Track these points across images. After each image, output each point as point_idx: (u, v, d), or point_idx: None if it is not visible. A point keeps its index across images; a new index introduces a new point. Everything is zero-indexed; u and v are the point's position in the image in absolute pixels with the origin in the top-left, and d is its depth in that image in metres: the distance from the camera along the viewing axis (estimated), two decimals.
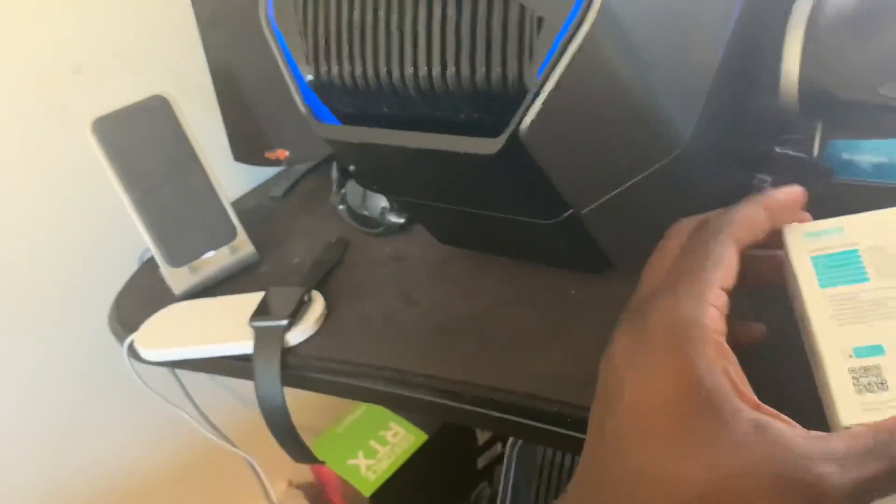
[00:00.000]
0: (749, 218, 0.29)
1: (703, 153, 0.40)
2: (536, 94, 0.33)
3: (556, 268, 0.48)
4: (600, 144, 0.36)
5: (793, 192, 0.31)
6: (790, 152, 0.51)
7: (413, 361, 0.44)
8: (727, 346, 0.25)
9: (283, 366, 0.46)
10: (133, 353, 0.52)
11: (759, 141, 0.49)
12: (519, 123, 0.34)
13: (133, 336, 0.52)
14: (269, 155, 0.64)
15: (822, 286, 0.29)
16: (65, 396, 0.67)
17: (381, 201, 0.57)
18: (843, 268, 0.30)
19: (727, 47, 0.39)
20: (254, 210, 0.67)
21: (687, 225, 0.31)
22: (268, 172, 0.72)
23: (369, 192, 0.58)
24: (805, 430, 0.24)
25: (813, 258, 0.30)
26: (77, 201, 0.64)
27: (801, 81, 0.41)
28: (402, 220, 0.56)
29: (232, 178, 0.70)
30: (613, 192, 0.39)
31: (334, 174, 0.62)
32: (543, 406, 0.38)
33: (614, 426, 0.25)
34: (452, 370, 0.43)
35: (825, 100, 0.40)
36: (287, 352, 0.47)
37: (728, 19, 0.39)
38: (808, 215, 0.32)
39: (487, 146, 0.36)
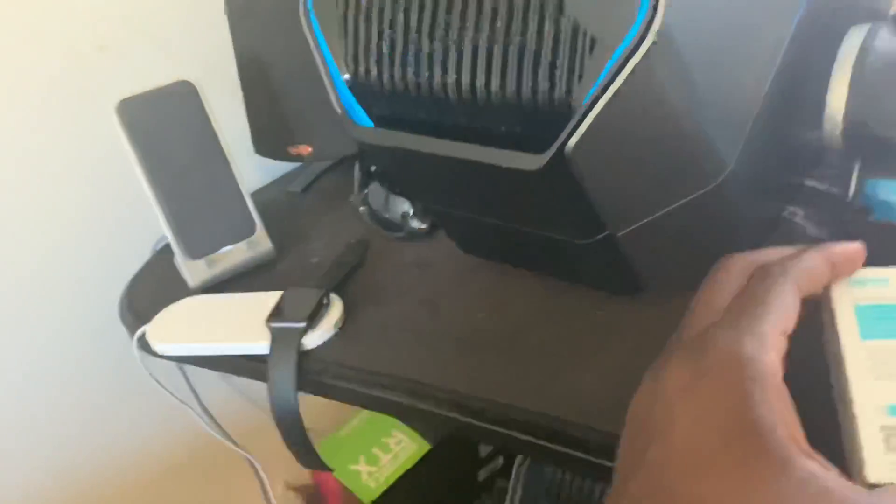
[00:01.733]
0: (814, 270, 0.29)
1: (744, 183, 0.39)
2: (584, 116, 0.33)
3: (585, 287, 0.47)
4: (644, 168, 0.36)
5: (856, 250, 0.31)
6: (823, 187, 0.50)
7: (434, 374, 0.43)
8: (786, 391, 0.25)
9: (299, 369, 0.46)
10: (143, 345, 0.51)
11: (796, 172, 0.49)
12: (565, 143, 0.33)
13: (145, 328, 0.51)
14: (292, 150, 0.63)
15: (863, 337, 0.29)
16: (68, 383, 0.66)
17: (404, 205, 0.56)
18: (887, 321, 0.29)
19: (775, 78, 0.38)
20: (271, 204, 0.66)
21: (739, 261, 0.31)
22: (287, 166, 0.71)
23: (392, 195, 0.57)
24: (853, 483, 0.23)
25: (857, 307, 0.30)
26: (94, 182, 0.63)
27: (845, 117, 0.40)
28: (424, 226, 0.55)
29: (250, 170, 0.69)
30: (652, 217, 0.38)
31: (357, 174, 0.61)
32: (569, 430, 0.38)
33: (662, 457, 0.25)
34: (474, 386, 0.42)
35: (868, 137, 0.40)
36: (303, 355, 0.46)
37: (778, 51, 0.38)
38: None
39: (531, 162, 0.35)
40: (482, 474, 0.81)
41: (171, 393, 0.57)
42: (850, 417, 0.27)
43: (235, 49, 0.63)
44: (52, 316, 0.64)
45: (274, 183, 0.71)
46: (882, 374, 0.27)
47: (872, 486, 0.25)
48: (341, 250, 0.56)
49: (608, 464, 0.35)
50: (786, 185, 0.50)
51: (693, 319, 0.29)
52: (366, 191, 0.59)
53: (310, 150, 0.62)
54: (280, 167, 0.71)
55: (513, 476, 0.61)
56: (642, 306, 0.44)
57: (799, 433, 0.24)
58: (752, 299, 0.28)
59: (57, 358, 0.65)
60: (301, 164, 0.69)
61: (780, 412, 0.24)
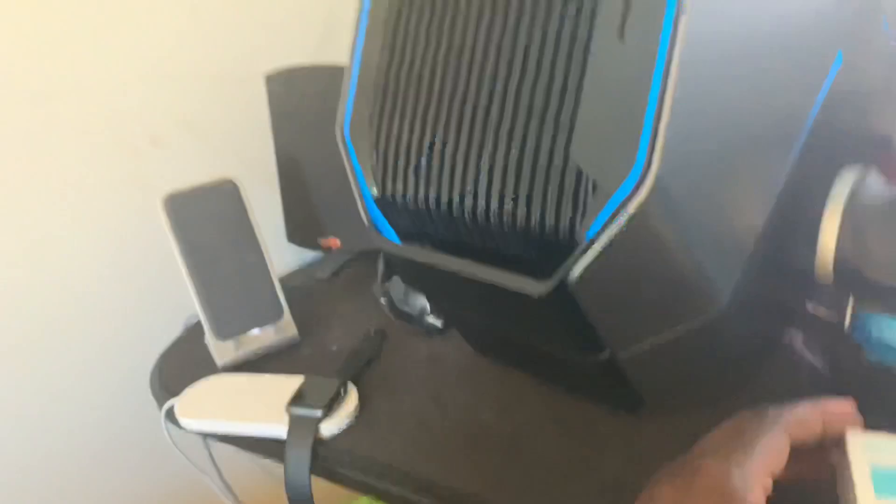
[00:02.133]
0: (805, 421, 0.33)
1: (739, 314, 0.42)
2: (586, 250, 0.36)
3: (588, 399, 0.49)
4: (642, 299, 0.39)
5: (845, 407, 0.35)
6: (822, 315, 0.53)
7: (440, 471, 0.46)
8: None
9: (314, 456, 0.48)
10: (170, 417, 0.54)
11: (795, 298, 0.51)
12: (568, 273, 0.37)
13: (173, 401, 0.54)
14: (322, 241, 0.67)
15: (878, 494, 0.32)
16: (93, 447, 0.69)
17: (423, 300, 0.60)
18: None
19: (769, 219, 0.41)
20: (299, 289, 0.70)
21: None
22: (316, 252, 0.76)
23: (412, 290, 0.61)
24: None
25: (873, 467, 0.33)
26: (135, 259, 0.68)
27: (836, 258, 0.43)
28: (439, 325, 0.58)
29: (282, 254, 0.74)
30: (651, 341, 0.41)
31: (380, 266, 0.65)
32: None
33: None
34: (478, 485, 0.44)
35: (857, 278, 0.43)
36: (319, 442, 0.49)
37: (773, 193, 0.42)
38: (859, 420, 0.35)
39: (536, 287, 0.38)
40: None
41: (192, 463, 0.60)
42: None
43: (276, 147, 0.69)
44: (86, 380, 0.68)
45: (303, 268, 0.75)
46: None
47: None
48: (360, 340, 0.60)
49: None
50: (786, 308, 0.53)
51: (692, 449, 0.33)
52: (387, 283, 0.63)
53: (339, 243, 0.66)
54: (310, 252, 0.75)
55: None
56: (644, 423, 0.47)
57: None
58: (744, 436, 0.31)
59: (85, 421, 0.69)
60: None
61: None
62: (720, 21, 0.36)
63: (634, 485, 0.40)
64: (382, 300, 0.63)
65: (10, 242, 0.62)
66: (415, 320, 0.60)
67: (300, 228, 0.70)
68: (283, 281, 0.69)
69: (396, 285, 0.63)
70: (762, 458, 0.31)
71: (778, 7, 0.41)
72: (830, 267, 0.43)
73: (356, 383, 0.54)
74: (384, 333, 0.61)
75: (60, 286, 0.64)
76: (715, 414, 0.40)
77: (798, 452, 0.33)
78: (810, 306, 0.54)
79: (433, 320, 0.59)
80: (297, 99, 0.67)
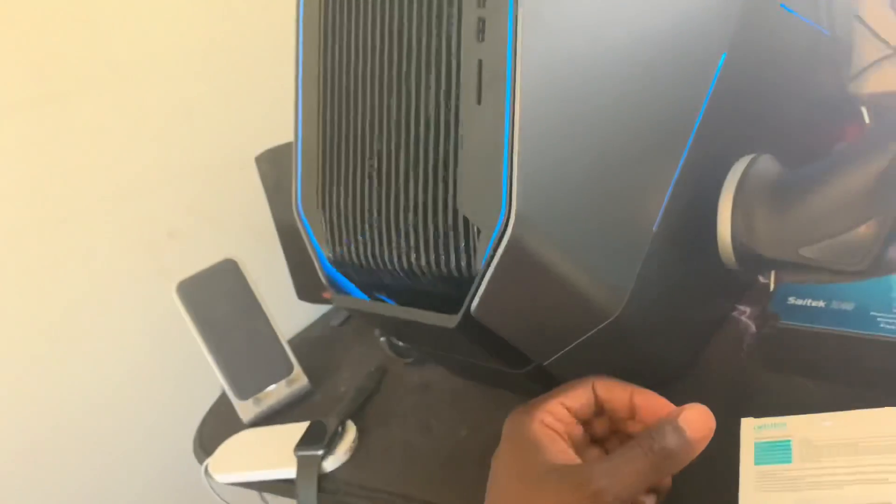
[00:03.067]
0: (612, 384, 0.43)
1: (649, 309, 0.46)
2: (480, 281, 0.42)
3: None
4: (542, 314, 0.44)
5: (624, 391, 0.43)
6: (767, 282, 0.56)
7: (420, 488, 0.52)
8: (549, 429, 0.40)
9: (320, 490, 0.56)
10: (208, 474, 0.63)
11: (731, 279, 0.55)
12: (470, 303, 0.43)
13: (208, 461, 0.63)
14: (325, 295, 0.75)
15: (756, 464, 0.39)
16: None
17: None
18: (775, 452, 0.39)
19: (663, 219, 0.46)
20: (317, 339, 0.78)
21: None
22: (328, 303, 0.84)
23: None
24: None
25: (756, 443, 0.40)
26: (171, 342, 0.77)
27: (733, 243, 0.46)
28: None
29: (301, 312, 0.82)
30: (567, 348, 0.46)
31: None
32: None
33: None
34: (453, 498, 0.50)
35: (756, 259, 0.46)
36: (323, 477, 0.56)
37: (661, 195, 0.46)
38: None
39: (449, 321, 0.44)
40: None
41: None
42: None
43: (274, 218, 0.77)
44: (139, 450, 0.78)
45: (320, 319, 0.83)
46: (764, 488, 0.37)
47: None
48: (363, 378, 0.67)
49: None
50: (729, 286, 0.56)
51: None
52: None
53: None
54: (324, 307, 0.83)
55: None
56: None
57: (557, 446, 0.39)
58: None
59: (139, 487, 0.78)
60: None
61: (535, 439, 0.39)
62: (565, 65, 0.41)
63: None
64: (381, 339, 0.70)
65: (54, 338, 0.73)
66: (408, 353, 0.66)
67: (306, 286, 0.78)
68: (302, 333, 0.77)
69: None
70: (552, 398, 0.42)
71: (632, 29, 0.45)
72: (731, 252, 0.47)
73: (357, 419, 0.61)
74: (384, 370, 0.68)
75: (100, 376, 0.75)
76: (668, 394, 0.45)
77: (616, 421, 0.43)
78: (761, 279, 0.57)
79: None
80: (284, 172, 0.75)
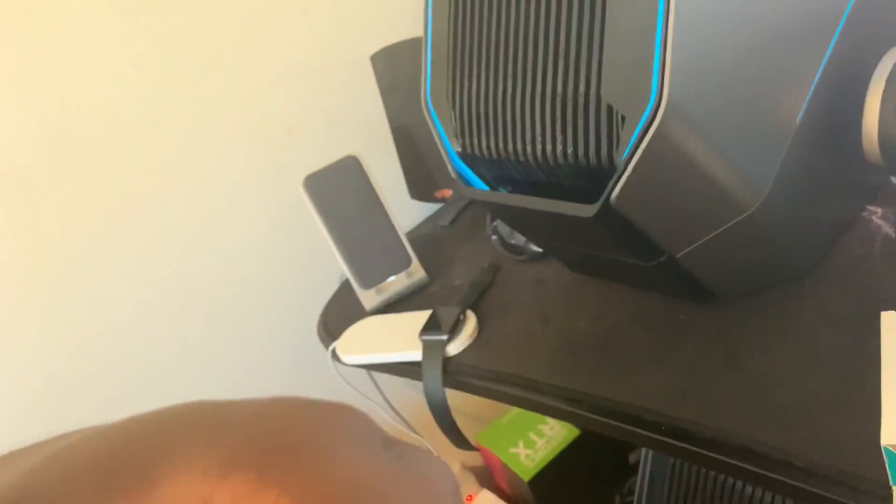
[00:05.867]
0: None
1: (787, 204, 0.46)
2: (622, 172, 0.43)
3: (671, 296, 0.56)
4: (681, 205, 0.45)
5: None
6: None
7: (544, 373, 0.55)
8: None
9: (444, 371, 0.59)
10: (335, 356, 0.68)
11: (864, 178, 0.53)
12: (609, 194, 0.44)
13: (335, 344, 0.68)
14: (437, 194, 0.77)
15: None
16: (276, 390, 0.85)
17: None
18: None
19: (807, 110, 0.45)
20: (427, 237, 0.81)
21: None
22: (440, 203, 0.86)
23: None
24: None
25: None
26: (290, 234, 0.82)
27: (880, 137, 0.45)
28: (541, 251, 0.66)
29: (411, 210, 0.85)
30: (702, 241, 0.47)
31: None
32: (642, 415, 0.47)
33: None
34: (575, 382, 0.53)
35: None
36: (447, 360, 0.60)
37: (807, 86, 0.45)
38: None
39: (587, 211, 0.45)
40: (633, 457, 0.89)
41: (361, 394, 0.74)
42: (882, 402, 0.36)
43: (388, 118, 0.79)
44: (268, 337, 0.84)
45: (430, 218, 0.86)
46: None
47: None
48: (477, 273, 0.70)
49: (678, 444, 0.45)
50: (861, 186, 0.55)
51: None
52: (495, 223, 0.72)
53: (451, 193, 0.76)
54: (433, 205, 0.86)
55: (643, 453, 0.70)
56: (717, 310, 0.52)
57: None
58: None
59: (266, 372, 0.85)
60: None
61: None
62: None
63: (702, 363, 0.48)
64: (493, 238, 0.72)
65: (191, 234, 0.79)
66: (520, 250, 0.68)
67: (418, 185, 0.80)
68: (412, 231, 0.80)
69: (503, 224, 0.71)
70: None
71: None
72: (877, 147, 0.46)
73: (475, 309, 0.64)
74: (497, 266, 0.70)
75: (233, 268, 0.80)
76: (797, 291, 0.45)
77: None
78: (894, 178, 0.56)
79: (535, 248, 0.67)
80: (399, 71, 0.77)
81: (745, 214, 0.45)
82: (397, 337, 0.64)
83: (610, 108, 0.43)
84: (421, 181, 0.80)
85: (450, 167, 0.55)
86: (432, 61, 0.57)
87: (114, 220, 0.74)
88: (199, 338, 0.81)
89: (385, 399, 0.77)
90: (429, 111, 0.56)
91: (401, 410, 0.79)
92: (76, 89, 0.70)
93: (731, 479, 0.63)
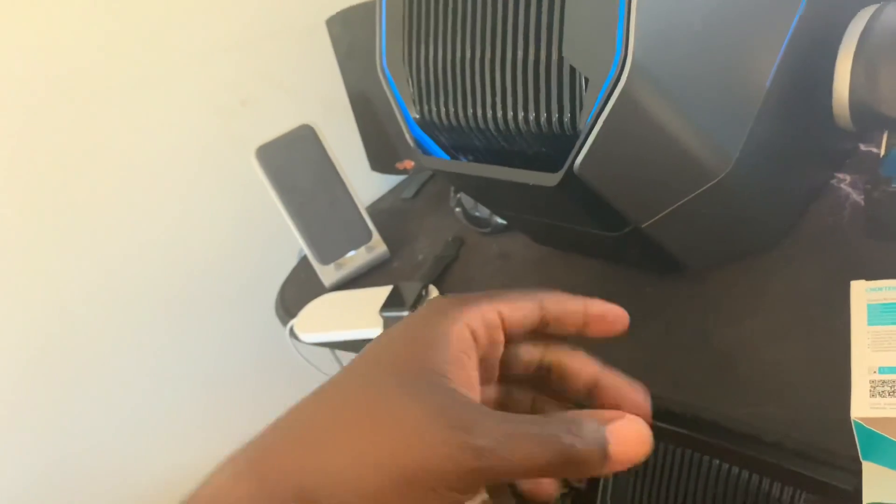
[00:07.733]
0: (517, 301, 0.34)
1: (756, 171, 0.45)
2: (586, 137, 0.40)
3: (637, 269, 0.54)
4: (647, 172, 0.43)
5: (578, 303, 0.36)
6: (876, 151, 0.53)
7: None
8: (468, 339, 0.30)
9: None
10: (293, 334, 0.65)
11: (833, 145, 0.52)
12: (573, 161, 0.41)
13: (293, 321, 0.65)
14: (399, 165, 0.74)
15: (870, 324, 0.37)
16: (233, 369, 0.83)
17: None
18: (889, 313, 0.37)
19: (776, 75, 0.43)
20: (388, 210, 0.78)
21: None
22: (401, 176, 0.83)
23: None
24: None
25: (868, 305, 0.38)
26: (245, 210, 0.79)
27: (850, 102, 0.44)
28: (505, 223, 0.64)
29: (372, 183, 0.82)
30: (668, 210, 0.45)
31: None
32: None
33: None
34: None
35: (876, 119, 0.43)
36: None
37: (775, 50, 0.43)
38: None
39: (550, 179, 0.43)
40: None
41: (322, 372, 0.71)
42: (851, 374, 0.35)
43: (346, 86, 0.75)
44: (222, 317, 0.81)
45: (392, 191, 0.83)
46: (878, 348, 0.36)
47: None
48: (440, 247, 0.67)
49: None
50: (832, 152, 0.54)
51: None
52: (458, 195, 0.69)
53: (412, 164, 0.73)
54: (395, 178, 0.83)
55: None
56: (683, 281, 0.51)
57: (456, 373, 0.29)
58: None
59: (225, 351, 0.82)
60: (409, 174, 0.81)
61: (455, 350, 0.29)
62: None
63: (670, 337, 0.46)
64: (457, 210, 0.70)
65: (146, 205, 0.75)
66: (484, 223, 0.66)
67: (379, 156, 0.77)
68: (374, 204, 0.77)
69: (466, 196, 0.69)
70: (485, 296, 0.32)
71: None
72: (847, 112, 0.44)
73: (439, 285, 0.62)
74: (461, 240, 0.68)
75: (188, 245, 0.77)
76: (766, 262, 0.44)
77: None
78: (865, 146, 0.55)
79: (499, 220, 0.65)
80: (357, 36, 0.73)
81: (712, 182, 0.43)
82: (357, 314, 0.62)
83: (573, 71, 0.41)
84: (382, 152, 0.77)
85: (408, 135, 0.53)
86: (387, 23, 0.53)
87: (56, 196, 0.70)
88: (156, 318, 0.78)
89: None
90: (385, 76, 0.53)
91: None
92: (13, 56, 0.65)
93: (698, 454, 0.62)
